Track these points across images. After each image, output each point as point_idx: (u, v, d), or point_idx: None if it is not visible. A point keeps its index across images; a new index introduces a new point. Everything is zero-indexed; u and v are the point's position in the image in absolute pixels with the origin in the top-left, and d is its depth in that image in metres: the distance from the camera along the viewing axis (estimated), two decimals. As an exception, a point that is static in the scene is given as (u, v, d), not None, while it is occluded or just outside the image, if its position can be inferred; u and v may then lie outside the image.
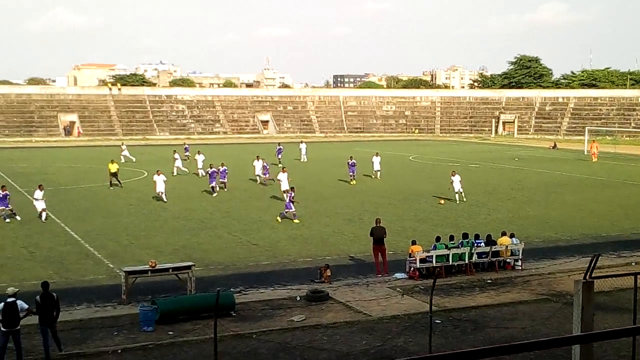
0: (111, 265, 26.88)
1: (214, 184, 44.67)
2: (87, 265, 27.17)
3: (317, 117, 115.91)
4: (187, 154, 65.14)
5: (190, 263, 24.14)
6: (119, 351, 18.42)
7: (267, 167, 50.46)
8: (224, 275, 25.92)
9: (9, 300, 17.59)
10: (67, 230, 33.47)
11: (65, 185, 48.51)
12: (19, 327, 17.57)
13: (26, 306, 17.87)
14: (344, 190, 47.43)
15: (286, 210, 36.23)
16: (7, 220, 35.41)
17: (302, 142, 71.25)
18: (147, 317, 20.04)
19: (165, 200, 41.35)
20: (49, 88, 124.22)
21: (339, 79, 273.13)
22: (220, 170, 46.32)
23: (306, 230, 33.94)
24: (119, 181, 47.52)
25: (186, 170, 55.91)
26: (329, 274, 25.23)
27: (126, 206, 40.28)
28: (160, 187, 41.90)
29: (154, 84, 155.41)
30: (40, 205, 36.05)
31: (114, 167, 47.86)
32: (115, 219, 36.31)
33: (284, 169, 43.81)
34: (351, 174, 50.47)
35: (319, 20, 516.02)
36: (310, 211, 39.08)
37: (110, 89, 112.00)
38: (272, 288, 24.37)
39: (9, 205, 36.22)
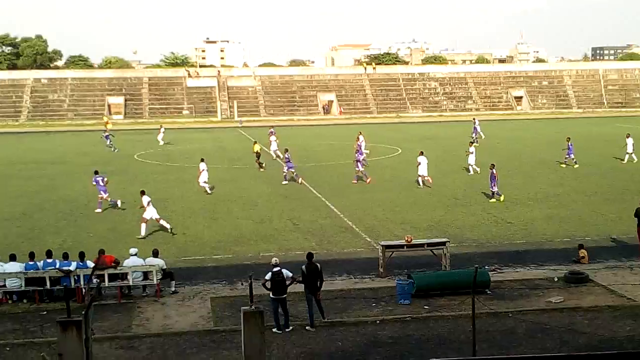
0: (368, 239, 27.92)
1: (292, 168, 41.60)
2: (346, 238, 28.45)
3: (574, 92, 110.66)
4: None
5: (445, 239, 24.44)
6: (377, 322, 19.19)
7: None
8: (478, 253, 25.89)
9: (275, 269, 18.92)
10: (327, 204, 35.17)
11: (325, 162, 50.86)
12: (285, 295, 18.86)
13: (290, 274, 19.11)
14: (604, 168, 45.05)
15: (492, 189, 34.81)
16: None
17: (360, 134, 53.35)
18: (404, 291, 20.62)
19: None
20: (308, 69, 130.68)
21: (597, 51, 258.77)
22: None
23: (563, 210, 32.80)
24: (259, 163, 46.70)
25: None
26: (582, 255, 24.29)
27: (380, 182, 41.38)
28: None
29: (407, 62, 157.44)
30: (203, 178, 38.23)
31: (256, 147, 47.70)
32: (371, 194, 37.49)
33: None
34: (567, 157, 46.16)
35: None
36: (566, 189, 37.73)
37: (365, 68, 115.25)
38: (528, 267, 24.00)
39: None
